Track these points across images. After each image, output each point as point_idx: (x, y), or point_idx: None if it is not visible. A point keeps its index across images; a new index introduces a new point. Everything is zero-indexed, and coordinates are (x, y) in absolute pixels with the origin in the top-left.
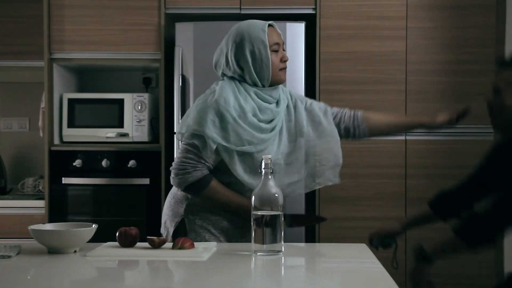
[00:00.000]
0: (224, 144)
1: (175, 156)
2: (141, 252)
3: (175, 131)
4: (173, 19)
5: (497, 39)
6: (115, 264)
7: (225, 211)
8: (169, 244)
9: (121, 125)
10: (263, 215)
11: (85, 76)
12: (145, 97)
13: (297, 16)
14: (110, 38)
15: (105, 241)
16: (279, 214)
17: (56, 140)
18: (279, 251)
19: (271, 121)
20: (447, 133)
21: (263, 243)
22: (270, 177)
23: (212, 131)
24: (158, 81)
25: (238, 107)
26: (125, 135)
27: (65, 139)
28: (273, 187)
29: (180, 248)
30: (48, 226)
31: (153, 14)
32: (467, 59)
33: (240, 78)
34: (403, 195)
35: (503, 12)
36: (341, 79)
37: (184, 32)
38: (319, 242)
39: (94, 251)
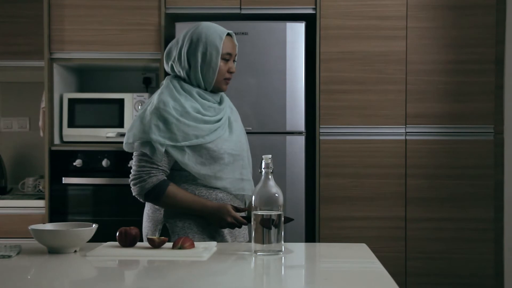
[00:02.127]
0: (172, 144)
1: None
2: (141, 252)
3: None
4: (173, 19)
5: (497, 39)
6: (115, 264)
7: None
8: (169, 244)
9: (121, 125)
10: (263, 215)
11: (85, 76)
12: (145, 97)
13: (297, 16)
14: (110, 38)
15: (105, 241)
16: (280, 214)
17: (56, 140)
18: (279, 251)
19: (215, 116)
20: (447, 133)
21: (263, 243)
22: (270, 177)
23: (158, 135)
24: (158, 81)
25: (179, 106)
26: (125, 135)
27: (65, 139)
28: (273, 187)
29: (180, 248)
30: (48, 226)
31: (153, 14)
32: (467, 59)
33: (185, 76)
34: (403, 195)
35: (503, 12)
36: (341, 79)
37: None
38: (319, 242)
39: (94, 251)
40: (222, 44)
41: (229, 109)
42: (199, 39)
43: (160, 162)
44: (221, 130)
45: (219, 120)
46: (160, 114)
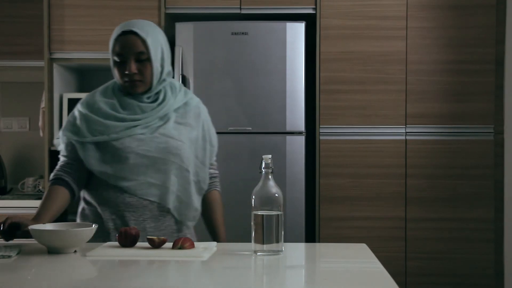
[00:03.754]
0: (77, 139)
1: None
2: (141, 252)
3: None
4: (173, 19)
5: (497, 39)
6: (115, 264)
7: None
8: (169, 244)
9: None
10: (263, 215)
11: (85, 76)
12: None
13: (297, 16)
14: (110, 38)
15: (105, 241)
16: (279, 214)
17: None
18: (279, 251)
19: (136, 115)
20: (447, 133)
21: (263, 243)
22: (270, 177)
23: (67, 130)
24: None
25: (93, 103)
26: None
27: None
28: (273, 187)
29: (180, 248)
30: (48, 226)
31: (153, 14)
32: (467, 59)
33: None
34: (403, 195)
35: (503, 12)
36: (341, 79)
37: (184, 32)
38: (319, 242)
39: (94, 251)
40: (112, 46)
41: (182, 110)
42: None
43: (67, 157)
44: (138, 129)
45: (140, 119)
46: (73, 111)
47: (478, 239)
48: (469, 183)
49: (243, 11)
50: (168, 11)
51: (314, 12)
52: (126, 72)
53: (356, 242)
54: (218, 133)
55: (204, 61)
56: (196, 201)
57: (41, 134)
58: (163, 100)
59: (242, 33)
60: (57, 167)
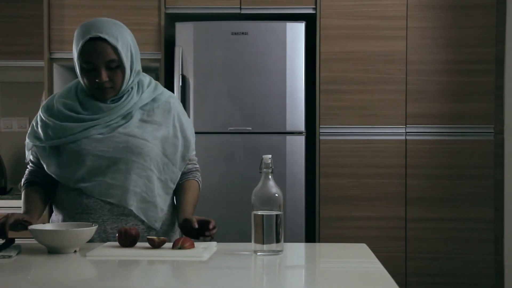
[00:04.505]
0: (36, 143)
1: None
2: (141, 252)
3: None
4: (173, 19)
5: (497, 39)
6: (115, 264)
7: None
8: (169, 244)
9: None
10: (263, 215)
11: None
12: None
13: (297, 16)
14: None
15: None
16: (279, 214)
17: None
18: (279, 251)
19: (94, 115)
20: (447, 133)
21: (263, 243)
22: (270, 177)
23: (30, 135)
24: (158, 81)
25: (51, 106)
26: None
27: None
28: (273, 187)
29: (180, 248)
30: (48, 226)
31: (153, 14)
32: (467, 59)
33: None
34: (403, 195)
35: (503, 12)
36: (341, 79)
37: (184, 32)
38: (319, 242)
39: (94, 251)
40: (79, 52)
41: (149, 107)
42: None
43: (34, 163)
44: (95, 129)
45: (99, 119)
46: (37, 115)
47: (478, 239)
48: (469, 183)
49: (243, 11)
50: (168, 11)
51: (314, 12)
52: (97, 80)
53: (356, 242)
54: (218, 133)
55: (204, 61)
56: (161, 202)
57: None
58: (126, 98)
59: (242, 33)
60: (26, 172)
